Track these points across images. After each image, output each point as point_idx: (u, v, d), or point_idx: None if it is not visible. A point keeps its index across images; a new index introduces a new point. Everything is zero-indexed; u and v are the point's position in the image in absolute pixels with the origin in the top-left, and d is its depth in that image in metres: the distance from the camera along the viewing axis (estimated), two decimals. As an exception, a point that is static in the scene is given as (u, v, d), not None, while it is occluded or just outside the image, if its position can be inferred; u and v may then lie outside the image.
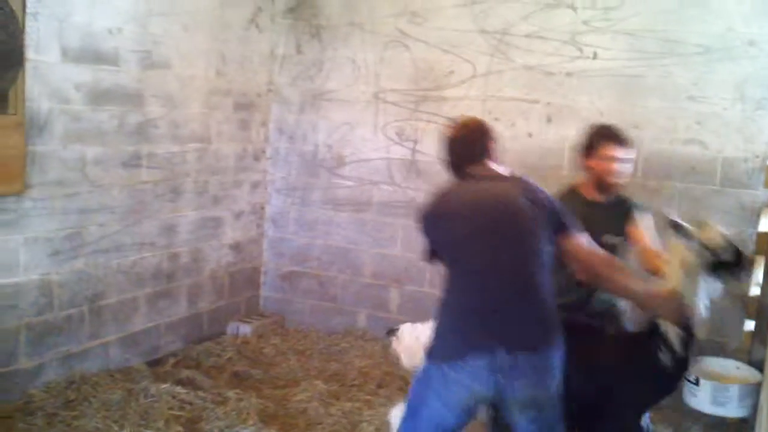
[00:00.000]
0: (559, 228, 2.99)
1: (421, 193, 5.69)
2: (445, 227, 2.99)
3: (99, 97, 4.65)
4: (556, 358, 2.87)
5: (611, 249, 3.86)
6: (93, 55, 4.58)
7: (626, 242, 3.88)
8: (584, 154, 3.84)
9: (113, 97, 4.74)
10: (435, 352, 2.90)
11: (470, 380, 2.78)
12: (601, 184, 3.80)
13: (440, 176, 5.52)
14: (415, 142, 5.73)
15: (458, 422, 2.90)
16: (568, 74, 5.23)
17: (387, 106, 5.80)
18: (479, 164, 3.10)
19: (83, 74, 4.53)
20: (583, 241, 3.05)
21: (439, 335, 2.92)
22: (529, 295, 2.86)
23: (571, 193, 3.93)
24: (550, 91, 5.28)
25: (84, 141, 4.59)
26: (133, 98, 4.89)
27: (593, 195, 3.84)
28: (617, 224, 3.85)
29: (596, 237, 3.80)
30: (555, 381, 2.87)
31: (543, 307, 2.88)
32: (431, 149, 5.64)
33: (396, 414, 3.69)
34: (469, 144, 3.15)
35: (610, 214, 3.83)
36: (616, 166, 3.75)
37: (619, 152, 3.73)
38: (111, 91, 4.72)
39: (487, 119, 5.40)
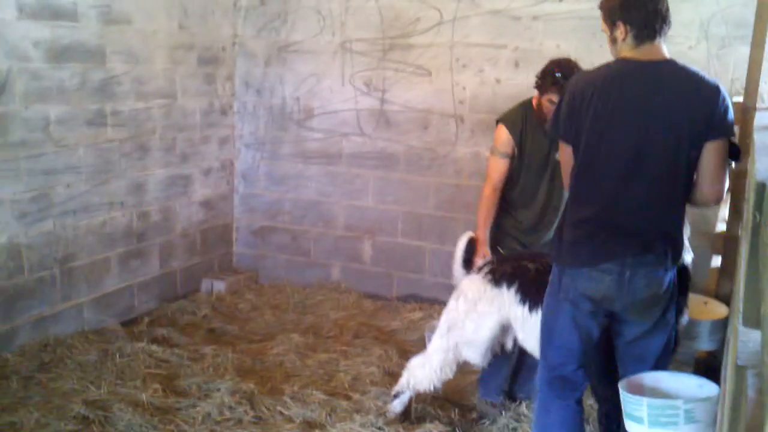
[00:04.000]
0: None
1: (390, 143, 5.68)
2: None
3: (59, 54, 4.55)
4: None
5: (555, 166, 3.98)
6: (51, 11, 4.46)
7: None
8: (536, 87, 3.93)
9: (74, 54, 4.65)
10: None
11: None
12: (542, 119, 3.89)
13: (408, 126, 5.60)
14: (383, 91, 5.68)
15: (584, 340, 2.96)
16: (535, 18, 5.19)
17: (354, 56, 5.73)
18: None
19: (41, 31, 4.42)
20: None
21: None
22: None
23: (526, 110, 4.06)
24: (517, 35, 5.25)
25: (46, 100, 4.50)
26: (95, 55, 4.79)
27: (540, 121, 3.95)
28: None
29: (548, 154, 3.97)
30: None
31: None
32: (399, 99, 5.62)
33: (415, 362, 3.79)
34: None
35: None
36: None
37: (557, 98, 3.74)
38: (71, 48, 4.62)
39: (455, 66, 5.46)
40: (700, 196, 2.85)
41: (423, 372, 3.72)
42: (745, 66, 4.31)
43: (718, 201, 2.92)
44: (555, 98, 3.77)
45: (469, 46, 5.39)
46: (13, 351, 4.35)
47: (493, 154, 4.06)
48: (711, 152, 2.78)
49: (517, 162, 4.01)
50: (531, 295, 3.43)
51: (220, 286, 5.84)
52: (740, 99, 4.25)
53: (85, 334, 4.72)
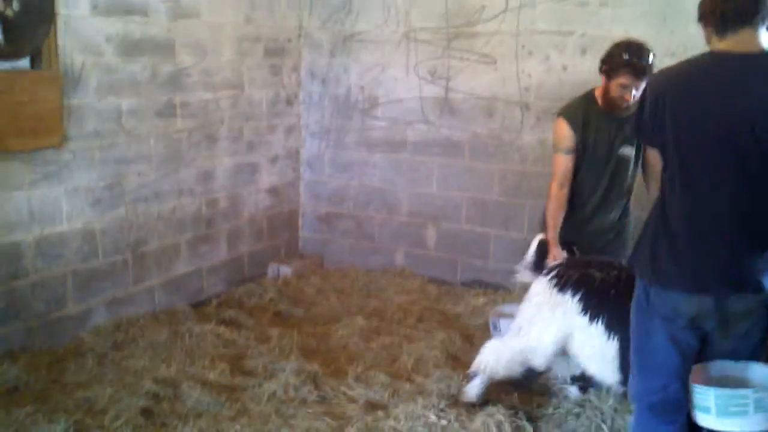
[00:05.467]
0: None
1: (455, 131, 5.67)
2: None
3: (130, 48, 4.69)
4: None
5: (624, 162, 3.92)
6: (122, 7, 4.61)
7: (641, 154, 3.90)
8: (603, 72, 3.84)
9: (144, 48, 4.78)
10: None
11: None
12: (612, 106, 3.82)
13: (473, 113, 5.58)
14: (448, 79, 5.67)
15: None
16: (603, 4, 5.11)
17: (418, 45, 5.74)
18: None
19: (114, 26, 4.57)
20: None
21: None
22: None
23: (588, 101, 3.95)
24: (584, 21, 5.17)
25: (118, 93, 4.65)
26: (164, 48, 4.93)
27: (607, 109, 3.87)
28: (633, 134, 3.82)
29: (612, 148, 3.86)
30: None
31: None
32: (464, 87, 5.60)
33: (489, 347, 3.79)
34: None
35: (626, 125, 3.82)
36: (628, 94, 3.76)
37: (632, 82, 3.72)
38: (142, 42, 4.76)
39: (521, 53, 5.41)
40: None
41: (493, 360, 3.73)
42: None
43: None
44: (626, 81, 3.72)
45: (535, 33, 5.34)
46: (88, 330, 4.52)
47: (556, 151, 3.96)
48: None
49: (581, 156, 3.92)
50: (592, 306, 3.37)
51: (286, 270, 5.93)
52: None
53: (156, 315, 4.87)
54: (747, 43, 2.50)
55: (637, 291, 2.77)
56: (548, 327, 3.53)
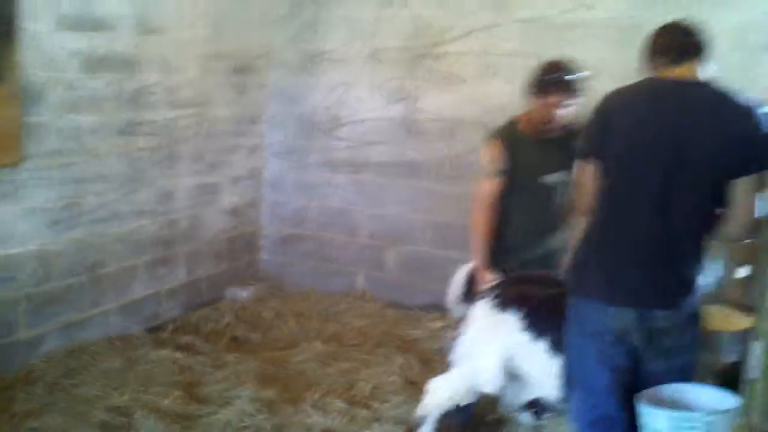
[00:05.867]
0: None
1: (419, 152, 5.66)
2: None
3: (95, 64, 4.62)
4: None
5: (551, 189, 3.87)
6: (89, 22, 4.54)
7: (567, 181, 3.80)
8: (531, 93, 3.77)
9: (109, 65, 4.72)
10: None
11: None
12: (540, 126, 3.77)
13: (437, 134, 5.58)
14: (413, 100, 5.67)
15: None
16: (567, 26, 5.14)
17: (383, 65, 5.74)
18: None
19: (79, 42, 4.49)
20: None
21: None
22: None
23: (514, 127, 3.89)
24: (548, 43, 5.18)
25: (80, 110, 4.58)
26: (129, 65, 4.87)
27: (534, 132, 3.82)
28: (563, 161, 3.75)
29: (537, 174, 3.82)
30: None
31: None
32: (429, 107, 5.60)
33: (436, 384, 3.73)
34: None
35: (554, 149, 3.77)
36: (557, 112, 3.71)
37: (563, 100, 3.68)
38: (107, 58, 4.70)
39: (486, 74, 5.42)
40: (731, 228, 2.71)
41: (439, 397, 3.67)
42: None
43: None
44: (556, 99, 3.66)
45: (501, 54, 5.35)
46: (39, 357, 4.42)
47: (483, 176, 3.90)
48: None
49: (508, 182, 3.86)
50: (534, 322, 3.35)
51: (244, 293, 5.88)
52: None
53: (111, 341, 4.79)
54: (692, 72, 2.69)
55: (569, 309, 2.87)
56: (492, 348, 3.48)
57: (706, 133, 2.57)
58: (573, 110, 3.72)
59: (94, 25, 4.59)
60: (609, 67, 4.95)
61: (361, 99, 5.84)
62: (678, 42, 2.72)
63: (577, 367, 2.90)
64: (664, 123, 2.62)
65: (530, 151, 3.82)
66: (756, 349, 2.25)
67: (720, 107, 2.61)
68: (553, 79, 3.67)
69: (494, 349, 3.48)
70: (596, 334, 2.77)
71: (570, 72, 3.70)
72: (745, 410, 2.39)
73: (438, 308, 5.58)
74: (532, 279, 3.58)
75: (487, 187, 3.87)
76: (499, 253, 3.88)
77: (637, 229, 2.68)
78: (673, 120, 2.61)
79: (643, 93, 2.71)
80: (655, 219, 2.65)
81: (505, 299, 3.48)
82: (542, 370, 3.36)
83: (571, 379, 2.95)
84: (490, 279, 3.76)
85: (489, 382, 3.54)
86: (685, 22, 2.80)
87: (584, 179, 2.82)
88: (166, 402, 4.05)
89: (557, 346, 3.28)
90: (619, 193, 2.70)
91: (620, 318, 2.71)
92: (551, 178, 3.83)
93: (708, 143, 2.57)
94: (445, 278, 5.62)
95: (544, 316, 3.30)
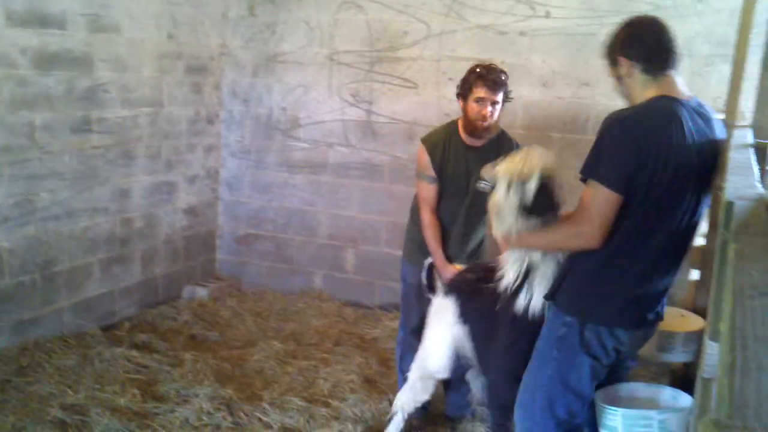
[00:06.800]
0: None
1: (376, 154, 5.70)
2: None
3: (46, 61, 4.57)
4: None
5: (481, 195, 3.83)
6: (39, 19, 4.50)
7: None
8: (459, 95, 3.80)
9: (61, 62, 4.67)
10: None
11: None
12: (473, 127, 3.77)
13: (394, 137, 5.63)
14: (370, 103, 5.71)
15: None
16: (522, 33, 5.24)
17: (341, 68, 5.77)
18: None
19: (29, 38, 4.45)
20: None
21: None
22: None
23: (450, 131, 3.90)
24: (503, 50, 5.29)
25: (32, 107, 4.52)
26: (82, 62, 4.82)
27: (468, 139, 3.84)
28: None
29: (468, 181, 3.85)
30: None
31: None
32: (386, 110, 5.65)
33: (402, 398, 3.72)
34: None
35: (486, 157, 3.77)
36: (484, 109, 3.71)
37: (487, 95, 3.69)
38: (58, 56, 4.65)
39: (442, 79, 5.49)
40: None
41: (407, 392, 3.68)
42: (727, 84, 4.35)
43: None
44: (481, 94, 3.67)
45: (456, 59, 5.42)
46: (-8, 354, 4.36)
47: (419, 179, 3.94)
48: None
49: (439, 186, 3.88)
50: (464, 309, 3.38)
51: (202, 292, 5.84)
52: (722, 116, 4.29)
53: (65, 339, 4.71)
54: (680, 87, 2.60)
55: (561, 329, 2.73)
56: (438, 330, 3.51)
57: (711, 153, 2.58)
58: (498, 109, 3.75)
59: (45, 21, 4.53)
60: (563, 74, 5.11)
61: (318, 101, 5.86)
62: (666, 47, 2.63)
63: (564, 383, 2.76)
64: (690, 149, 2.51)
65: (461, 156, 3.84)
66: (712, 348, 2.31)
67: (714, 127, 2.63)
68: (477, 75, 3.70)
69: (440, 332, 3.51)
70: (599, 355, 2.73)
71: (493, 70, 3.73)
72: (703, 408, 2.45)
73: (396, 307, 5.64)
74: (477, 268, 3.58)
75: (424, 190, 3.90)
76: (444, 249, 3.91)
77: (665, 253, 2.64)
78: (696, 147, 2.53)
79: (668, 118, 2.52)
80: (677, 241, 2.65)
81: (450, 285, 3.55)
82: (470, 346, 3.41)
83: (550, 391, 2.79)
84: (450, 271, 3.78)
85: (436, 364, 3.55)
86: (661, 19, 2.73)
87: (607, 208, 2.55)
88: (123, 400, 4.00)
89: (474, 333, 3.33)
90: (649, 220, 2.57)
91: (633, 338, 2.74)
92: (482, 185, 3.81)
93: (711, 164, 2.59)
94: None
95: (472, 303, 3.34)
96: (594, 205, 2.52)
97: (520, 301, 2.98)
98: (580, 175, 2.58)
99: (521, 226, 2.80)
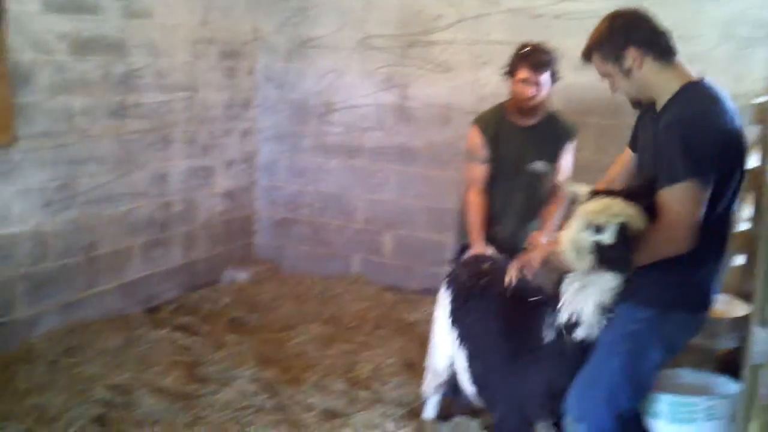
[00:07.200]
0: None
1: (411, 138, 5.70)
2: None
3: (82, 47, 4.60)
4: None
5: (536, 177, 3.90)
6: (74, 4, 4.52)
7: (553, 171, 3.90)
8: (506, 75, 3.82)
9: (96, 47, 4.70)
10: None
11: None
12: (519, 107, 3.78)
13: (429, 121, 5.62)
14: (404, 87, 5.70)
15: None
16: (557, 17, 5.20)
17: (374, 52, 5.75)
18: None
19: (65, 24, 4.48)
20: None
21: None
22: None
23: (500, 113, 3.90)
24: (538, 33, 5.18)
25: (70, 91, 4.55)
26: (116, 48, 4.84)
27: (518, 119, 3.84)
28: (546, 149, 3.86)
29: (522, 162, 3.84)
30: None
31: None
32: (420, 94, 5.64)
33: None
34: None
35: (539, 137, 3.83)
36: (528, 89, 3.73)
37: (530, 75, 3.70)
38: (94, 41, 4.67)
39: (476, 63, 5.47)
40: None
41: (430, 375, 3.69)
42: (766, 66, 4.32)
43: None
44: (525, 75, 3.70)
45: (490, 43, 5.39)
46: (38, 335, 4.42)
47: (470, 160, 3.92)
48: None
49: (491, 167, 3.87)
50: (452, 310, 3.35)
51: (241, 275, 5.88)
52: (762, 99, 4.25)
53: (109, 321, 4.77)
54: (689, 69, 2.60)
55: (634, 325, 2.64)
56: (438, 326, 3.51)
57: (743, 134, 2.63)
58: (544, 89, 3.75)
59: (80, 7, 4.56)
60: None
61: (352, 85, 5.85)
62: (665, 31, 2.61)
63: (639, 374, 2.69)
64: (739, 133, 2.55)
65: (513, 138, 3.85)
66: (760, 334, 2.30)
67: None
68: (521, 56, 3.72)
69: (439, 327, 3.52)
70: (676, 346, 2.73)
71: (538, 50, 3.75)
72: (751, 395, 2.45)
73: (434, 292, 5.65)
74: (477, 260, 3.54)
75: (475, 171, 3.89)
76: (487, 236, 3.87)
77: (726, 234, 2.66)
78: (739, 129, 2.55)
79: (722, 105, 2.52)
80: (730, 222, 2.67)
81: (446, 277, 3.55)
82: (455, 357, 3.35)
83: (617, 381, 2.69)
84: (482, 249, 3.72)
85: (439, 361, 3.53)
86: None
87: (701, 202, 2.50)
88: (167, 381, 4.04)
89: (463, 337, 3.27)
90: (725, 206, 2.59)
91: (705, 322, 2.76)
92: (537, 166, 3.88)
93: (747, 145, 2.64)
94: (440, 262, 5.73)
95: (462, 304, 3.30)
96: (686, 208, 2.46)
97: (562, 321, 2.75)
98: (665, 184, 2.48)
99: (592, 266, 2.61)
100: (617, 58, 2.60)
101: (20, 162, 4.28)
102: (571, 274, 2.69)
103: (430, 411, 3.78)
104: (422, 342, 4.75)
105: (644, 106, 2.77)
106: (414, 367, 4.41)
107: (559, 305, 2.73)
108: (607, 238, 2.46)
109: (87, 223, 4.72)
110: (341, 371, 4.37)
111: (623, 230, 2.44)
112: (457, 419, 3.79)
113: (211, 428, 3.63)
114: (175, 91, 5.34)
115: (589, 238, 2.50)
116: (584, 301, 2.67)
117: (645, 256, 2.53)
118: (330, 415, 3.85)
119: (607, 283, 2.61)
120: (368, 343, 4.74)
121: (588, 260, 2.54)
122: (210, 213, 5.82)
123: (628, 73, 2.61)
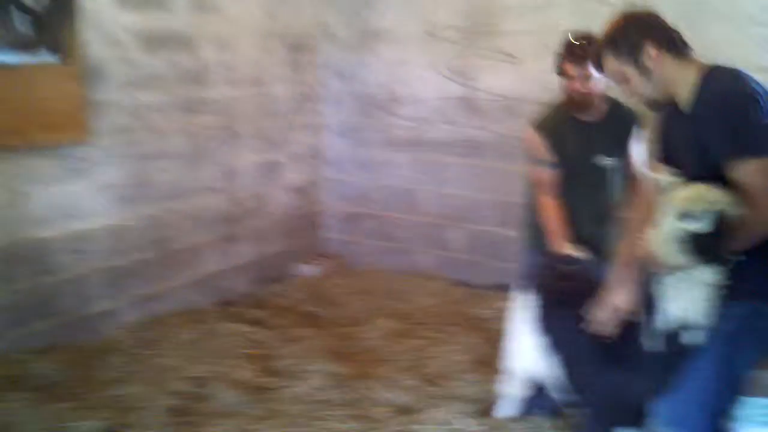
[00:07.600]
0: None
1: (479, 131, 5.63)
2: None
3: (153, 42, 4.66)
4: None
5: (609, 173, 3.73)
6: (144, 0, 4.58)
7: (622, 165, 3.73)
8: (557, 72, 3.65)
9: (166, 43, 4.76)
10: None
11: None
12: (572, 104, 3.62)
13: (497, 113, 5.54)
14: (471, 78, 5.63)
15: None
16: (627, 2, 5.06)
17: (441, 44, 5.69)
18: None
19: (136, 19, 4.54)
20: None
21: None
22: None
23: (559, 111, 3.74)
24: (604, 22, 5.12)
25: (141, 88, 4.62)
26: (186, 43, 4.90)
27: (581, 115, 3.67)
28: (616, 142, 3.71)
29: (588, 157, 3.66)
30: None
31: None
32: (489, 86, 5.56)
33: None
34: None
35: (606, 131, 3.68)
36: (578, 84, 3.55)
37: (578, 70, 3.51)
38: (163, 36, 4.74)
39: (545, 53, 5.35)
40: None
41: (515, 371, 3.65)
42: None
43: None
44: (570, 70, 3.53)
45: (559, 32, 5.27)
46: (116, 328, 4.52)
47: (537, 164, 3.71)
48: None
49: (561, 169, 3.68)
50: (545, 307, 3.25)
51: (311, 270, 5.92)
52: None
53: (184, 314, 4.86)
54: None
55: (730, 323, 2.51)
56: (519, 329, 3.45)
57: None
58: (596, 82, 3.53)
59: (149, 2, 4.62)
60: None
61: (418, 77, 5.80)
62: (674, 26, 2.59)
63: (738, 374, 2.59)
64: None
65: (579, 136, 3.66)
66: None
67: None
68: (561, 54, 3.56)
69: (523, 331, 3.46)
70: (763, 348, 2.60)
71: (576, 45, 3.53)
72: None
73: (504, 288, 5.58)
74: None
75: (544, 175, 3.70)
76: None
77: None
78: None
79: (748, 76, 2.48)
80: None
81: (535, 284, 3.42)
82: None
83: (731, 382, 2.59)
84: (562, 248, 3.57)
85: (520, 364, 3.49)
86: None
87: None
88: (241, 374, 4.09)
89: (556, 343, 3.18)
90: None
91: None
92: (604, 160, 3.71)
93: None
94: (510, 258, 5.65)
95: (549, 308, 3.22)
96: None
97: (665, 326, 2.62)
98: (738, 158, 2.35)
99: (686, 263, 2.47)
100: (634, 55, 2.54)
101: (95, 158, 4.38)
102: (666, 274, 2.55)
103: (504, 409, 3.74)
104: (493, 339, 4.71)
105: (662, 107, 2.66)
106: (485, 364, 4.35)
107: (659, 309, 2.59)
108: (705, 226, 2.32)
109: (160, 219, 4.81)
110: (412, 367, 4.34)
111: (722, 218, 2.31)
112: (534, 419, 3.74)
113: (284, 422, 3.65)
114: (244, 86, 5.39)
115: (686, 227, 2.36)
116: (689, 301, 2.52)
117: (740, 243, 2.39)
118: (401, 410, 3.83)
119: (708, 278, 2.46)
120: (437, 339, 4.71)
121: (685, 254, 2.40)
122: (279, 208, 5.86)
123: (646, 71, 2.54)
